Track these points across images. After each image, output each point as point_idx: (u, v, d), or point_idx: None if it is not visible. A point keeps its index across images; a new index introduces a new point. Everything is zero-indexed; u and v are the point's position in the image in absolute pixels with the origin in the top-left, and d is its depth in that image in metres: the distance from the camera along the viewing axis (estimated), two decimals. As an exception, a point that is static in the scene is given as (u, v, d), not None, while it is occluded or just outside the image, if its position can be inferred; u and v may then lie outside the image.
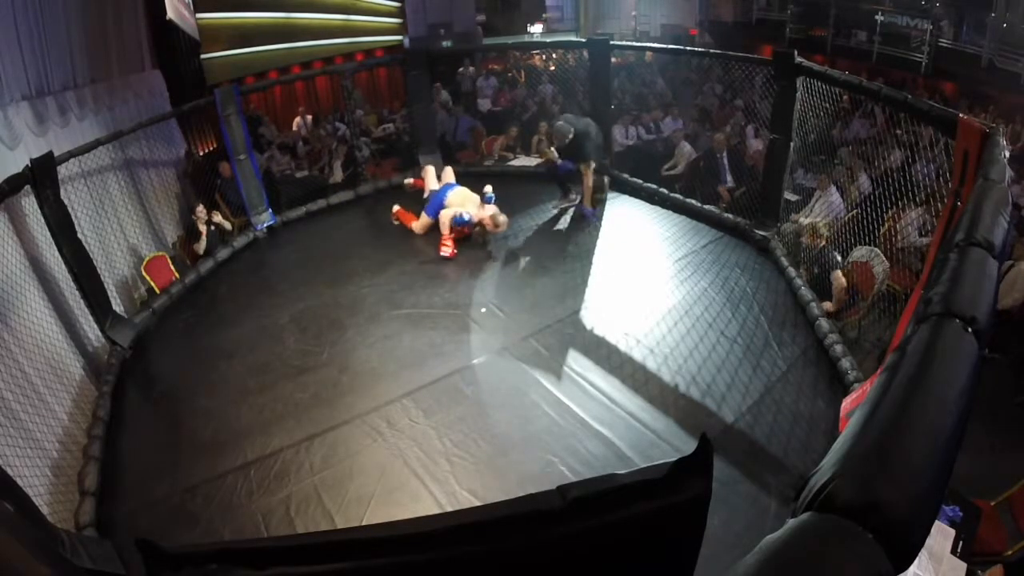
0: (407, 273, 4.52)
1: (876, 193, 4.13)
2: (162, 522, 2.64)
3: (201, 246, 5.13)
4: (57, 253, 3.61)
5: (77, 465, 2.97)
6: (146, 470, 2.97)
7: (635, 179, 5.86)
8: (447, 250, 4.77)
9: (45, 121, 4.40)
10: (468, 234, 4.92)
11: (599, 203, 5.51)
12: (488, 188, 5.05)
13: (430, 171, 5.45)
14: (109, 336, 3.83)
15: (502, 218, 4.80)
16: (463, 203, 4.91)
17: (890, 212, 4.33)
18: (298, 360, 3.64)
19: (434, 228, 4.98)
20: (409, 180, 5.58)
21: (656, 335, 3.67)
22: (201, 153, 6.94)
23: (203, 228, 5.16)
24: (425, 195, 5.25)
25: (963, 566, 2.25)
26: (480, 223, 4.83)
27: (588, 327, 3.79)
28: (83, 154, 4.06)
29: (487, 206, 4.89)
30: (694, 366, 3.39)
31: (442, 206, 4.94)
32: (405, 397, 3.26)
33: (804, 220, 4.64)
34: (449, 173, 5.39)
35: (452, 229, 4.82)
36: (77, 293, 3.74)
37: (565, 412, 3.09)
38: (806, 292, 3.92)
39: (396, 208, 5.32)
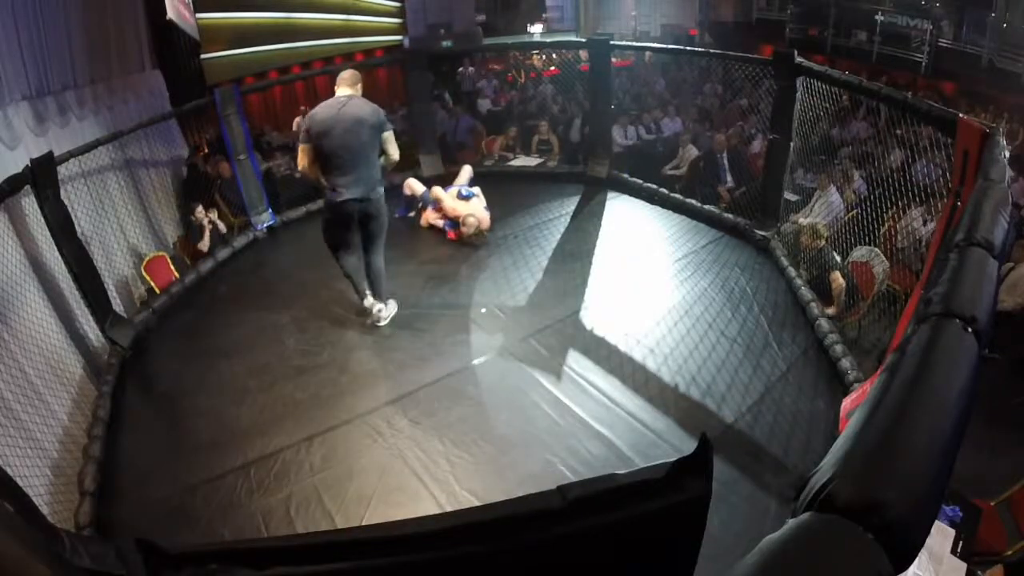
0: (407, 273, 4.52)
1: (876, 193, 4.13)
2: (162, 522, 2.64)
3: (205, 244, 5.14)
4: (57, 253, 3.61)
5: (77, 465, 2.97)
6: (146, 470, 2.97)
7: (635, 179, 5.86)
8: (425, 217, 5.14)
9: (45, 121, 4.40)
10: (460, 237, 4.93)
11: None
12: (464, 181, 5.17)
13: (465, 170, 5.48)
14: (109, 336, 3.83)
15: (471, 219, 4.78)
16: (453, 200, 5.00)
17: (890, 212, 4.34)
18: (298, 360, 3.64)
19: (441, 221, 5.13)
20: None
21: (656, 335, 3.67)
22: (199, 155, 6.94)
23: (207, 224, 5.17)
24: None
25: (963, 566, 2.25)
26: (456, 218, 4.89)
27: (588, 327, 3.79)
28: (83, 154, 4.05)
29: (465, 202, 4.94)
30: (694, 366, 3.39)
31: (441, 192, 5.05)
32: (405, 397, 3.26)
33: (803, 221, 4.64)
34: (463, 174, 5.41)
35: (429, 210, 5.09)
36: (77, 293, 3.74)
37: (565, 412, 3.09)
38: (806, 292, 3.92)
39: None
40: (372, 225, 3.65)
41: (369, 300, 3.82)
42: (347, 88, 3.49)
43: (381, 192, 3.60)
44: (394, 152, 3.54)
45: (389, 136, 3.49)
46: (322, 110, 3.40)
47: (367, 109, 3.40)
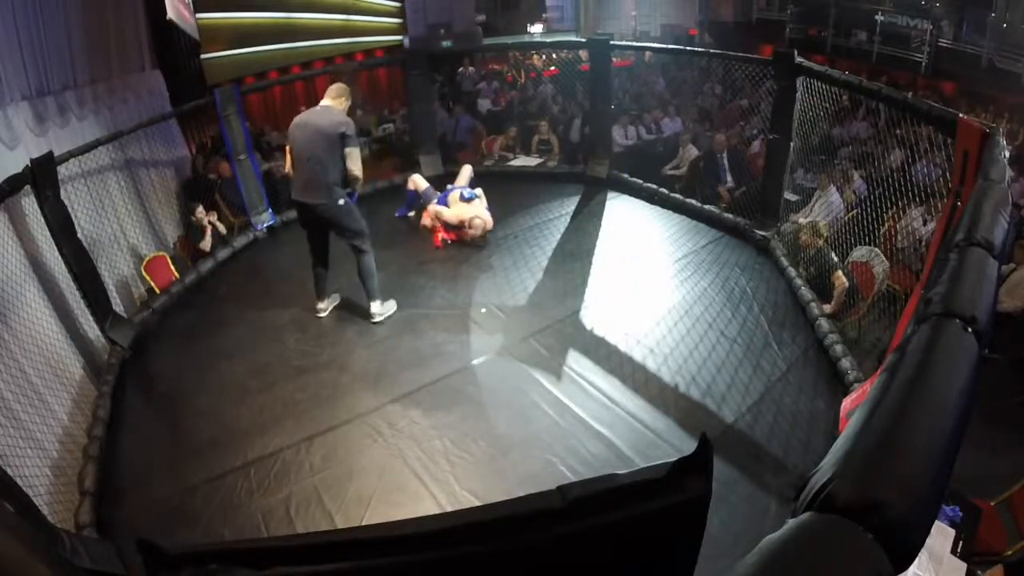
0: (407, 273, 4.52)
1: (876, 193, 4.13)
2: (162, 522, 2.64)
3: (206, 243, 5.13)
4: (57, 253, 3.61)
5: (77, 465, 2.97)
6: (146, 470, 2.97)
7: (635, 179, 5.86)
8: (438, 239, 4.97)
9: (45, 121, 4.40)
10: (459, 238, 4.92)
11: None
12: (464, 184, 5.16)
13: (465, 170, 5.45)
14: (109, 336, 3.83)
15: (477, 221, 4.78)
16: (456, 204, 4.96)
17: (890, 212, 4.33)
18: (298, 360, 3.65)
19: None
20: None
21: (656, 335, 3.67)
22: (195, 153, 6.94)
23: (207, 224, 5.18)
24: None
25: (963, 566, 2.24)
26: (461, 223, 4.86)
27: (588, 327, 3.79)
28: (83, 154, 4.05)
29: (468, 204, 4.93)
30: (694, 366, 3.39)
31: (444, 203, 4.99)
32: (405, 397, 3.26)
33: (803, 220, 4.64)
34: (464, 174, 5.39)
35: (441, 227, 4.99)
36: (77, 293, 3.74)
37: (565, 412, 3.09)
38: (806, 292, 3.92)
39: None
40: (335, 230, 3.75)
41: (322, 304, 4.03)
42: (328, 100, 3.63)
43: (335, 202, 3.59)
44: (354, 168, 3.57)
45: (351, 152, 3.53)
46: (299, 116, 3.63)
47: (330, 120, 3.48)
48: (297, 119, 3.58)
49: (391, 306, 4.00)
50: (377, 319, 3.91)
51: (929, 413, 0.82)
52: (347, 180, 3.61)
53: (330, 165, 3.50)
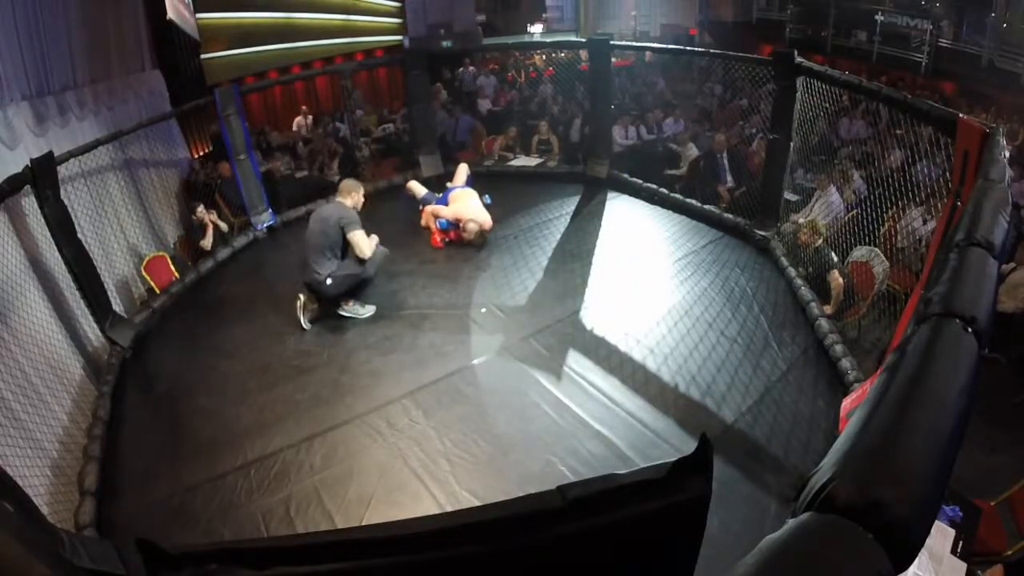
0: (407, 273, 4.52)
1: (876, 193, 4.13)
2: (162, 522, 2.64)
3: (208, 242, 5.14)
4: (57, 253, 3.61)
5: (77, 465, 2.97)
6: (146, 470, 2.97)
7: (635, 179, 5.86)
8: (436, 240, 4.97)
9: (45, 121, 4.40)
10: (459, 238, 4.92)
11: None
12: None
13: (462, 169, 5.44)
14: (109, 336, 3.83)
15: (472, 225, 4.78)
16: (462, 202, 4.93)
17: (890, 212, 4.33)
18: (298, 360, 3.65)
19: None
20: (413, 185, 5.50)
21: (656, 335, 3.67)
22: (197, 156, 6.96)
23: (209, 223, 5.18)
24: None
25: (963, 566, 2.24)
26: (457, 221, 4.86)
27: (588, 327, 3.79)
28: (83, 154, 4.06)
29: (477, 201, 4.93)
30: (694, 366, 3.39)
31: (445, 204, 4.98)
32: (405, 397, 3.26)
33: (803, 220, 4.64)
34: (461, 173, 5.38)
35: (437, 230, 4.99)
36: (77, 293, 3.74)
37: (565, 412, 3.09)
38: (806, 292, 3.92)
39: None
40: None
41: (302, 295, 4.06)
42: (339, 196, 3.99)
43: (323, 280, 3.79)
44: (360, 250, 3.80)
45: (352, 236, 3.79)
46: (320, 208, 4.06)
47: (334, 214, 3.83)
48: (317, 210, 4.02)
49: (366, 309, 4.06)
50: (342, 312, 4.02)
51: (929, 413, 0.82)
52: (350, 258, 3.86)
53: (324, 250, 3.80)
